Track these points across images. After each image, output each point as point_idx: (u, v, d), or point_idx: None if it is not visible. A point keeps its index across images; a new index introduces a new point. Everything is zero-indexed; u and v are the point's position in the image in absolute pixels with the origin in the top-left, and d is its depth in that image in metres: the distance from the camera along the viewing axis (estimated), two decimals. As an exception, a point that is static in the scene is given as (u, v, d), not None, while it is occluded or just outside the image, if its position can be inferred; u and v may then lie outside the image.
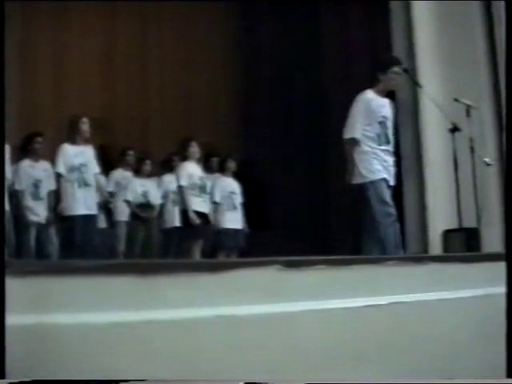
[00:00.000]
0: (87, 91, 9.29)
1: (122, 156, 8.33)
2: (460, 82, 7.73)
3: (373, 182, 5.49)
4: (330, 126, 9.44)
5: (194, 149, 7.55)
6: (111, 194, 8.09)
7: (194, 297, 2.40)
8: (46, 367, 2.10)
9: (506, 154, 3.67)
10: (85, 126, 6.83)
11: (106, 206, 7.98)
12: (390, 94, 5.92)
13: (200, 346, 2.37)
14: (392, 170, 5.72)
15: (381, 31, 9.18)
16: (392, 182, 5.70)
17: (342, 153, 9.14)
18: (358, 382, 2.72)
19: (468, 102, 6.33)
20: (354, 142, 5.57)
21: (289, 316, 2.61)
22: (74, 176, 6.73)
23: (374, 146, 5.58)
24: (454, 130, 6.02)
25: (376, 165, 5.54)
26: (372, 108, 5.63)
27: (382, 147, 5.61)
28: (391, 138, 5.72)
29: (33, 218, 7.03)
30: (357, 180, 5.55)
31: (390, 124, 5.73)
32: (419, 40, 8.38)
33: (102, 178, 8.03)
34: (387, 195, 5.54)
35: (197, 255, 7.11)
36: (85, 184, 6.77)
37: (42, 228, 7.10)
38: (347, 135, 5.60)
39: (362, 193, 5.52)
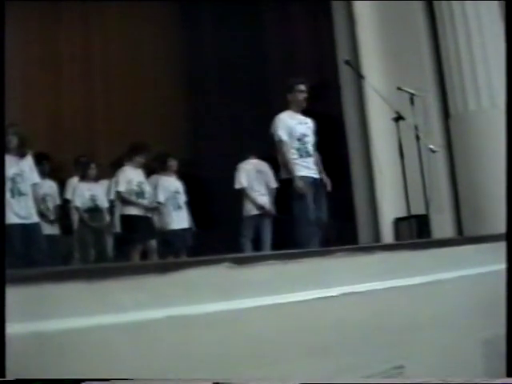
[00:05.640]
0: (31, 97, 9.15)
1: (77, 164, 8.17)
2: (403, 71, 7.81)
3: None
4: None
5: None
6: (67, 201, 7.98)
7: (144, 299, 2.38)
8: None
9: (506, 149, 3.74)
10: (12, 136, 6.68)
11: (64, 213, 7.91)
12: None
13: (154, 347, 2.36)
14: None
15: (324, 26, 9.23)
16: None
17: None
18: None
19: (411, 91, 6.38)
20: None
21: (241, 313, 2.60)
22: (8, 186, 6.62)
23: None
24: (398, 118, 6.06)
25: None
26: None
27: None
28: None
29: None
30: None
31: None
32: (362, 32, 8.45)
33: (55, 186, 7.98)
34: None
35: (136, 259, 7.10)
36: (19, 194, 6.64)
37: None
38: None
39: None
